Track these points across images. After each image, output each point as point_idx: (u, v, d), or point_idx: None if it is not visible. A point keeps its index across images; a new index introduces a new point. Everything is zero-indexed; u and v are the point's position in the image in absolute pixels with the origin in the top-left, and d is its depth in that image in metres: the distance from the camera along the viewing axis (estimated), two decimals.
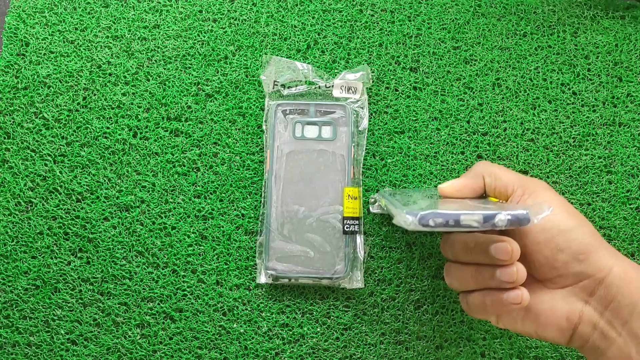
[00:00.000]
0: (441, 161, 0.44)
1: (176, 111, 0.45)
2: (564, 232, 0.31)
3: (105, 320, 0.42)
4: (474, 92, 0.45)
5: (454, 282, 0.34)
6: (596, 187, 0.44)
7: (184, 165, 0.44)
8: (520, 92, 0.45)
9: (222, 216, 0.44)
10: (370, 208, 0.43)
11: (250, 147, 0.44)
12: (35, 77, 0.45)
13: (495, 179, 0.34)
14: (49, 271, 0.43)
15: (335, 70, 0.45)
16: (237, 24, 0.46)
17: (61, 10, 0.46)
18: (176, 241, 0.43)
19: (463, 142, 0.45)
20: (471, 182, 0.35)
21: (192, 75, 0.45)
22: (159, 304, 0.43)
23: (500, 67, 0.45)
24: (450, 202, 0.32)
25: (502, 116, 0.45)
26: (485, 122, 0.45)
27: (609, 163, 0.44)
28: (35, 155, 0.44)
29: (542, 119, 0.45)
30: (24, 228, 0.43)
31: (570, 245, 0.31)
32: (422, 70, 0.45)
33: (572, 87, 0.45)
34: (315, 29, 0.46)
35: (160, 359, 0.42)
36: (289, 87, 0.44)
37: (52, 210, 0.43)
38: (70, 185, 0.44)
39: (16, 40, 0.45)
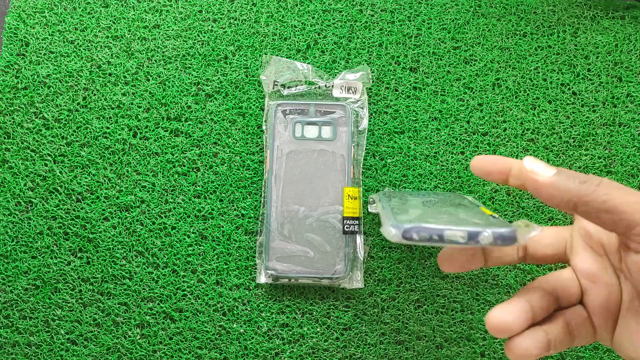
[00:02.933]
0: (441, 161, 0.44)
1: (176, 111, 0.45)
2: None
3: (105, 320, 0.42)
4: (474, 92, 0.45)
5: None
6: None
7: (184, 165, 0.44)
8: (520, 92, 0.45)
9: (222, 216, 0.44)
10: (369, 208, 0.43)
11: (250, 147, 0.44)
12: (35, 77, 0.45)
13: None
14: (49, 271, 0.43)
15: (335, 70, 0.45)
16: (237, 24, 0.46)
17: (61, 10, 0.46)
18: (176, 241, 0.43)
19: (463, 142, 0.45)
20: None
21: (192, 75, 0.45)
22: (159, 304, 0.43)
23: (500, 67, 0.45)
24: (444, 214, 0.32)
25: (502, 116, 0.45)
26: (485, 122, 0.45)
27: (609, 163, 0.44)
28: (35, 155, 0.44)
29: (542, 119, 0.45)
30: (24, 228, 0.43)
31: None
32: (422, 70, 0.45)
33: (572, 87, 0.45)
34: (315, 29, 0.46)
35: (160, 359, 0.42)
36: (289, 87, 0.44)
37: (52, 210, 0.43)
38: (70, 185, 0.44)
39: (16, 40, 0.45)
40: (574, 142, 0.45)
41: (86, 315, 0.43)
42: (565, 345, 0.27)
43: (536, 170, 0.26)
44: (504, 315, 0.26)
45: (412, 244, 0.29)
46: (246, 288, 0.43)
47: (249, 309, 0.43)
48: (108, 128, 0.45)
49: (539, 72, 0.45)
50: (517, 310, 0.27)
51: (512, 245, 0.26)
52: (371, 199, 0.43)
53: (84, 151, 0.44)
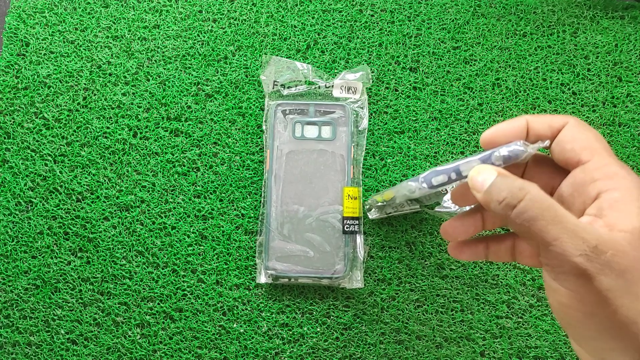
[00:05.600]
0: (441, 161, 0.44)
1: (176, 111, 0.45)
2: None
3: (105, 320, 0.43)
4: (474, 92, 0.45)
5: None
6: None
7: (184, 165, 0.44)
8: (520, 92, 0.45)
9: (222, 216, 0.44)
10: (369, 215, 0.43)
11: (250, 147, 0.44)
12: (36, 77, 0.45)
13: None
14: (49, 271, 0.43)
15: (335, 70, 0.45)
16: (237, 24, 0.46)
17: (61, 10, 0.46)
18: (176, 241, 0.43)
19: (463, 142, 0.45)
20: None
21: (192, 75, 0.45)
22: (159, 303, 0.43)
23: (500, 67, 0.46)
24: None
25: (502, 116, 0.45)
26: (485, 122, 0.45)
27: None
28: (35, 155, 0.44)
29: None
30: (24, 228, 0.43)
31: None
32: (422, 70, 0.46)
33: (572, 87, 0.45)
34: (315, 29, 0.46)
35: (160, 359, 0.42)
36: (288, 87, 0.44)
37: (52, 210, 0.44)
38: (70, 185, 0.44)
39: (16, 40, 0.45)
40: None
41: (86, 315, 0.43)
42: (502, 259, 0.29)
43: (474, 186, 0.25)
44: (452, 229, 0.29)
45: (434, 192, 0.29)
46: (246, 288, 0.43)
47: (249, 308, 0.43)
48: (108, 128, 0.45)
49: (538, 72, 0.45)
50: (466, 225, 0.29)
51: (523, 156, 0.25)
52: (367, 206, 0.43)
53: (84, 151, 0.44)
